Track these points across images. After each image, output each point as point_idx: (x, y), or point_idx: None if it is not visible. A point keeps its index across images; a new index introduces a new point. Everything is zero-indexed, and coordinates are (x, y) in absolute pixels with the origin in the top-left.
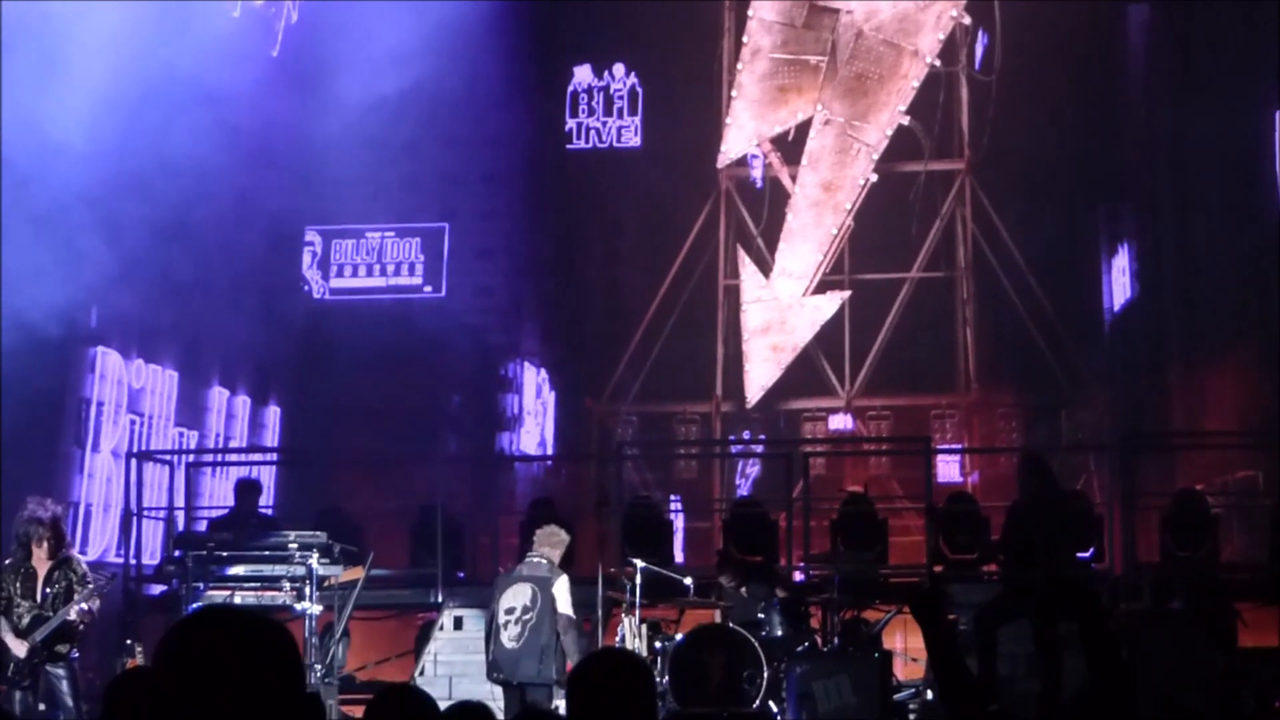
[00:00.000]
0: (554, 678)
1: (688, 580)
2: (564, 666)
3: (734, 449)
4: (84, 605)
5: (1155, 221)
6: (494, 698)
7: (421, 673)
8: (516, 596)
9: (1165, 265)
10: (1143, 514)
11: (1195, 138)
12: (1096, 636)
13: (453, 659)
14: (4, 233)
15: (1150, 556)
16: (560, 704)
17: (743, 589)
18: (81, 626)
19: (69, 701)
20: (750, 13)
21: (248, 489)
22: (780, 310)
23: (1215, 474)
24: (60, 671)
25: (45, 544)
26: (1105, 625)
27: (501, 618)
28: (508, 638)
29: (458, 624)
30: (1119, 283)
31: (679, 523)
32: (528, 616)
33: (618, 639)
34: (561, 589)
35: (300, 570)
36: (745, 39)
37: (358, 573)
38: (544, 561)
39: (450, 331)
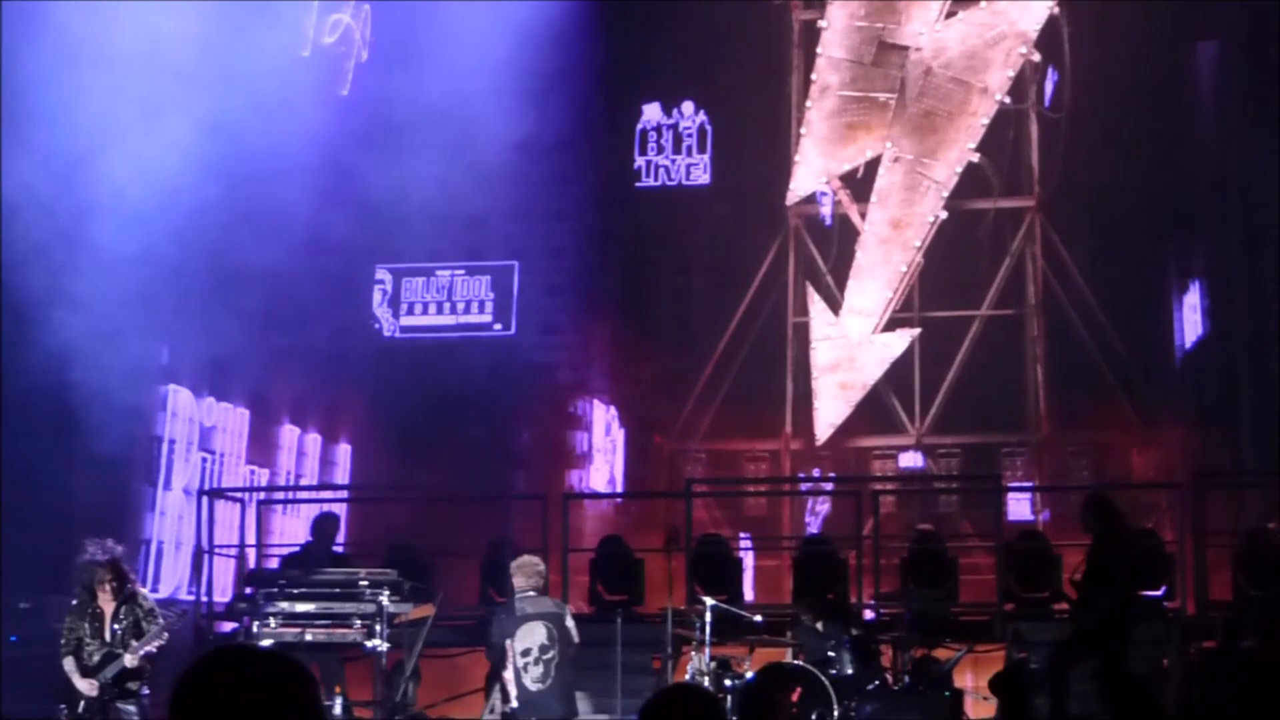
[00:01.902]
0: (578, 712)
1: (757, 618)
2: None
3: (803, 487)
4: (149, 648)
5: (1226, 258)
6: None
7: (491, 711)
8: (531, 636)
9: (1236, 302)
10: (1215, 552)
11: (1266, 174)
12: (1111, 679)
13: None
14: (78, 272)
15: (1223, 595)
16: None
17: (819, 624)
18: (149, 666)
19: None
20: (819, 50)
21: (326, 521)
22: (849, 348)
23: None
24: (131, 708)
25: (108, 586)
26: (1121, 669)
27: (518, 660)
28: (530, 680)
29: None
30: (1190, 320)
31: (748, 560)
32: (549, 655)
33: (687, 676)
34: (571, 622)
35: (370, 607)
36: (814, 76)
37: (428, 610)
38: (546, 596)
39: (519, 369)
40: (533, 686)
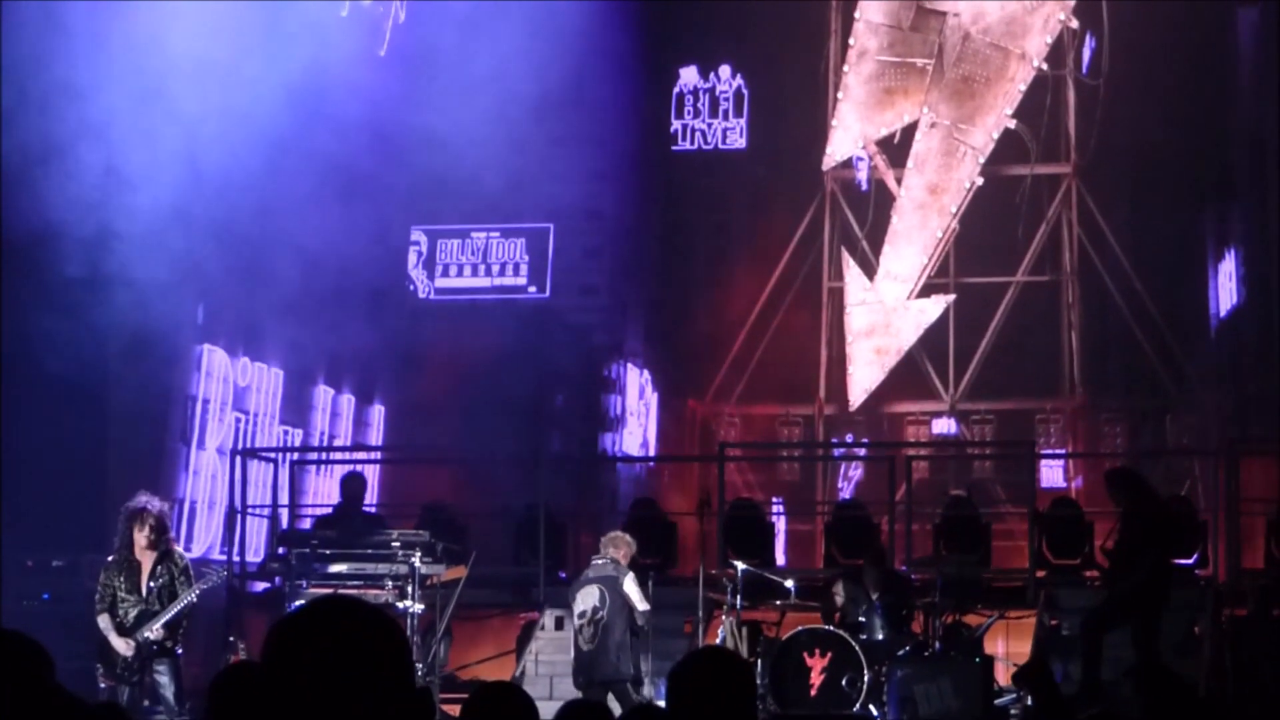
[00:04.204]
0: (631, 673)
1: (789, 582)
2: (640, 663)
3: (836, 452)
4: (175, 613)
5: (1263, 226)
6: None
7: (523, 672)
8: (586, 599)
9: (1273, 270)
10: (1248, 520)
11: None
12: (1145, 665)
13: (554, 659)
14: (114, 232)
15: (1255, 563)
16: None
17: (874, 595)
18: (184, 624)
19: (172, 698)
20: (857, 15)
21: (353, 481)
22: (884, 313)
23: None
24: (163, 668)
25: (147, 530)
26: (1154, 639)
27: (575, 622)
28: (582, 640)
29: (559, 624)
30: (1225, 287)
31: (781, 525)
32: (599, 616)
33: (718, 640)
34: (631, 586)
35: (403, 568)
36: (851, 41)
37: (460, 571)
38: (609, 561)
39: (554, 331)
40: (585, 647)
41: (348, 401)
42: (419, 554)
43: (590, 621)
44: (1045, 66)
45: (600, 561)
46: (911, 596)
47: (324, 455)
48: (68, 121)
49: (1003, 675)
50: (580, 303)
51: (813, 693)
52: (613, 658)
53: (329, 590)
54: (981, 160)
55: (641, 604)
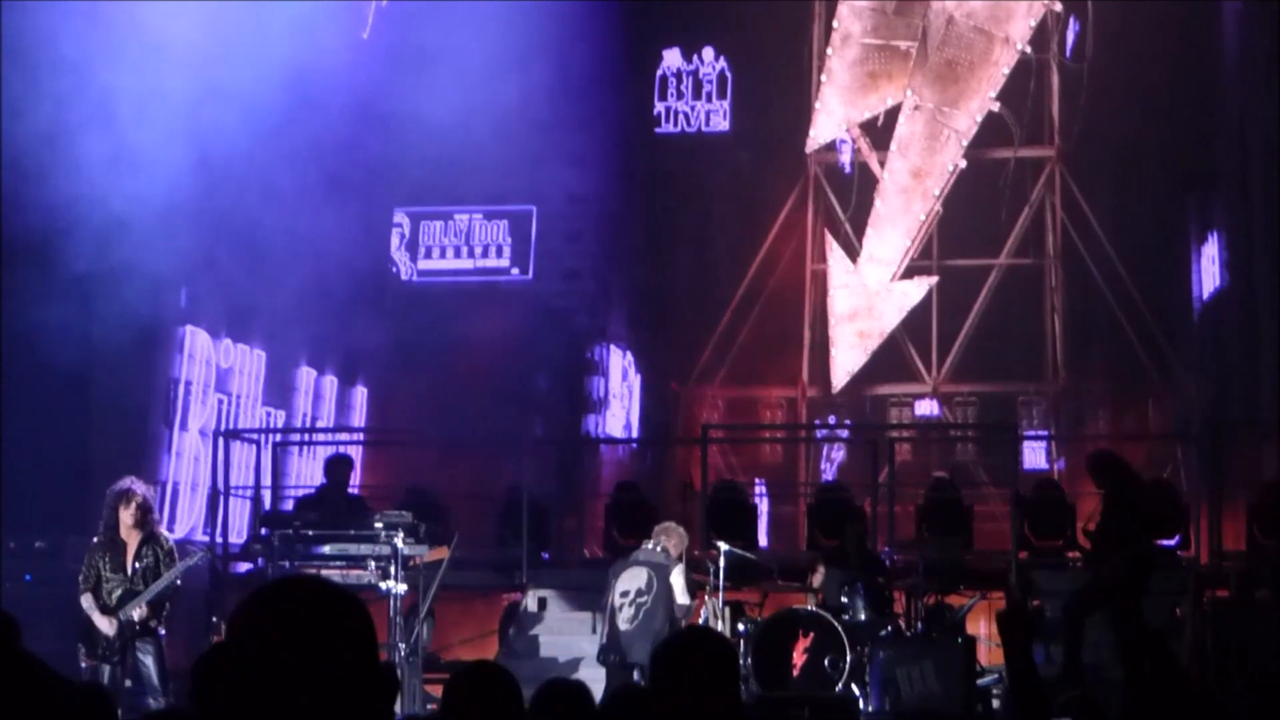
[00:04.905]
0: None
1: (772, 564)
2: None
3: (819, 434)
4: (158, 591)
5: (1246, 210)
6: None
7: (505, 653)
8: (632, 580)
9: (1256, 254)
10: (1230, 503)
11: None
12: (1129, 631)
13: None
14: (97, 214)
15: (1237, 546)
16: None
17: (852, 558)
18: (167, 605)
19: (155, 679)
20: None
21: (339, 464)
22: (867, 296)
23: None
24: (146, 648)
25: (134, 507)
26: (1138, 620)
27: (617, 600)
28: (623, 619)
29: (542, 605)
30: (1208, 271)
31: (763, 507)
32: (642, 600)
33: (701, 621)
34: (678, 578)
35: (386, 550)
36: (835, 24)
37: (443, 553)
38: (661, 550)
39: (537, 314)
40: (623, 626)
41: (330, 383)
42: (401, 535)
43: (632, 602)
44: (1029, 50)
45: (651, 546)
46: (887, 572)
47: (306, 437)
48: (58, 108)
49: (985, 656)
50: (563, 286)
51: (795, 673)
52: (651, 643)
53: (312, 572)
54: (965, 143)
55: (682, 597)
